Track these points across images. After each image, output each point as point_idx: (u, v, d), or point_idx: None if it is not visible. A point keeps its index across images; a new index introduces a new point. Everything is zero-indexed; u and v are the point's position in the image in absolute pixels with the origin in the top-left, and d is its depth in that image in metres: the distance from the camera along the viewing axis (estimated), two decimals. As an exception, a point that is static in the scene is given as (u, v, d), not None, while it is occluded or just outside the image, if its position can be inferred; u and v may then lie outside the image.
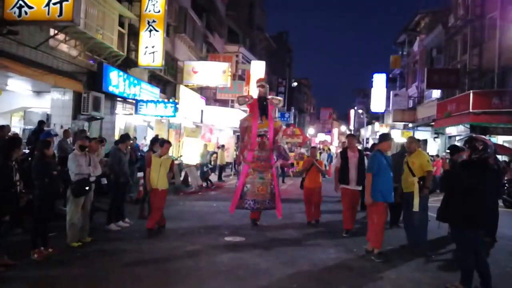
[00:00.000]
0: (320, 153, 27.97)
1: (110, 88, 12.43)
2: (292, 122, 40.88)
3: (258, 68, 28.85)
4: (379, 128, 37.63)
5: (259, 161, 8.07)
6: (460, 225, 4.60)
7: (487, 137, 5.68)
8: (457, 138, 19.50)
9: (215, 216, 9.11)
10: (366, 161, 7.27)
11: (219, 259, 5.73)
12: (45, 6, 8.33)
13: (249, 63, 29.39)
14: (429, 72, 21.55)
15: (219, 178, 17.61)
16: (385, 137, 6.49)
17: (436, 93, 24.31)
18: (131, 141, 9.52)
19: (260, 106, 8.24)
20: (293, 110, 46.84)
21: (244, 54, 29.55)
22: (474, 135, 6.44)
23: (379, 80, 38.40)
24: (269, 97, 8.55)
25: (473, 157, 4.58)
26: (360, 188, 7.55)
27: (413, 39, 31.32)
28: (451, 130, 20.15)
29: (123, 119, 14.91)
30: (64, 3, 8.33)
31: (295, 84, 50.92)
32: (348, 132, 68.36)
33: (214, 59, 23.10)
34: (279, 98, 8.83)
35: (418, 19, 29.96)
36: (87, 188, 6.18)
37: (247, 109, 8.90)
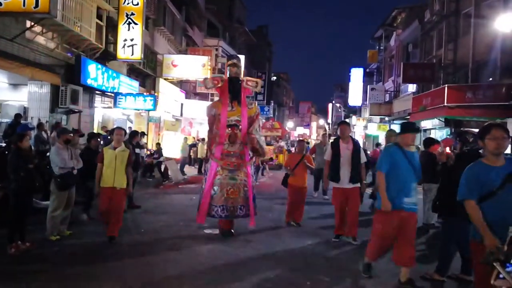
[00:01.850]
0: (292, 145, 28.34)
1: (89, 81, 12.29)
2: (272, 115, 41.06)
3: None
4: (356, 122, 38.20)
5: (230, 158, 6.49)
6: (455, 217, 4.49)
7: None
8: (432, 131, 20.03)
9: (194, 209, 9.12)
10: (362, 153, 6.63)
11: (198, 251, 5.82)
12: (21, -3, 8.19)
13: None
14: (405, 67, 21.98)
15: (199, 171, 17.66)
16: (407, 128, 4.90)
17: (411, 87, 24.82)
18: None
19: (231, 89, 6.61)
20: (272, 104, 47.00)
21: (224, 48, 29.47)
22: (465, 128, 6.60)
23: (356, 75, 38.94)
24: (243, 78, 6.92)
25: (464, 149, 4.81)
26: (354, 185, 6.41)
27: (390, 34, 31.81)
28: (426, 124, 20.65)
29: (102, 112, 14.76)
30: (40, -5, 8.21)
31: (274, 78, 51.07)
32: (326, 126, 69.24)
33: (193, 52, 23.00)
34: (256, 79, 7.00)
35: (395, 14, 30.44)
36: (70, 182, 6.18)
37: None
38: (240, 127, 6.60)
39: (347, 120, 47.05)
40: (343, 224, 6.54)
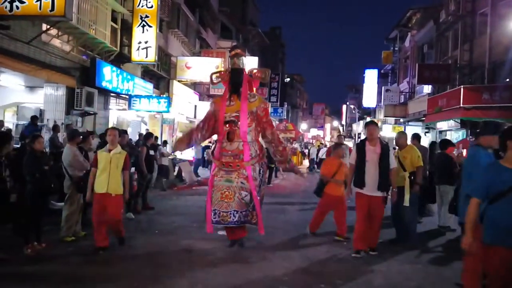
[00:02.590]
0: (306, 146, 28.23)
1: (103, 84, 12.42)
2: (285, 117, 41.00)
3: (251, 64, 28.83)
4: (371, 123, 37.79)
5: (226, 157, 5.82)
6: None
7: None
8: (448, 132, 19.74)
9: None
10: (392, 157, 5.97)
11: (211, 253, 5.80)
12: (37, 0, 8.33)
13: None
14: (420, 68, 21.71)
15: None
16: (492, 128, 4.11)
17: (427, 89, 24.51)
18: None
19: (232, 82, 5.96)
20: (286, 106, 46.93)
21: (237, 49, 29.48)
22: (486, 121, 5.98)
23: (370, 76, 38.64)
24: (250, 69, 6.28)
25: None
26: (380, 193, 5.75)
27: (405, 35, 31.49)
28: (441, 125, 20.35)
29: (116, 114, 14.91)
30: (56, -2, 8.32)
31: (287, 79, 50.98)
32: (340, 128, 68.86)
33: (207, 54, 23.09)
34: (264, 69, 6.35)
35: (410, 15, 30.12)
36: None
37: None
38: (239, 123, 5.77)
39: (361, 121, 46.65)
40: (365, 236, 5.79)
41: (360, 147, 5.94)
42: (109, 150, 5.69)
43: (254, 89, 6.33)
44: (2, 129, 9.03)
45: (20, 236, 5.81)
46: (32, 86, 11.49)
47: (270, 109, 39.75)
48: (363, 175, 5.71)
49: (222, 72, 6.31)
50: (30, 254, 5.41)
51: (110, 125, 14.08)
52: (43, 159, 5.86)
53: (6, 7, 8.27)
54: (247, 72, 6.06)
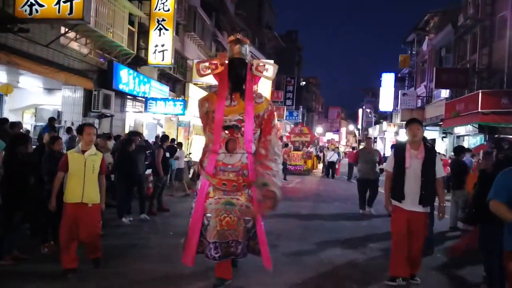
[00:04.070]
0: (321, 150, 28.07)
1: (120, 86, 12.56)
2: (300, 121, 40.91)
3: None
4: (387, 128, 37.54)
5: (226, 173, 4.36)
6: (490, 224, 4.17)
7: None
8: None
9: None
10: (439, 164, 4.92)
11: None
12: (56, 4, 8.43)
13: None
14: (438, 72, 21.44)
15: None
16: None
17: (444, 93, 24.19)
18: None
19: (232, 76, 4.50)
20: (301, 109, 46.85)
21: (253, 53, 29.57)
22: (501, 135, 6.19)
23: (387, 80, 38.33)
24: (252, 61, 4.70)
25: (500, 157, 4.69)
26: (423, 209, 4.72)
27: (422, 39, 31.15)
28: (459, 130, 20.03)
29: (133, 117, 15.06)
30: (74, 1, 8.41)
31: (303, 83, 50.87)
32: (355, 132, 68.27)
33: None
34: (270, 62, 5.10)
35: (428, 18, 29.79)
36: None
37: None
38: (243, 129, 4.37)
39: (377, 125, 46.08)
40: (401, 260, 4.73)
41: (399, 151, 4.90)
42: (83, 151, 4.83)
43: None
44: (21, 130, 9.19)
45: (37, 236, 5.91)
46: (50, 88, 11.67)
47: (285, 113, 39.23)
48: (402, 185, 4.71)
49: (215, 61, 4.61)
50: (47, 253, 5.48)
51: (127, 128, 14.25)
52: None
53: (26, 11, 8.41)
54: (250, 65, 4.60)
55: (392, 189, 4.87)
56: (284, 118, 38.51)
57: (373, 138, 14.19)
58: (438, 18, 28.19)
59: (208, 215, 4.34)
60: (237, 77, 4.49)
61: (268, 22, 39.41)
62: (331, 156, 22.27)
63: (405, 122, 5.36)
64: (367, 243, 6.70)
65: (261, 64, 4.70)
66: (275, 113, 4.73)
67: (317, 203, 11.57)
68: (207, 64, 4.65)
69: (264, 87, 28.45)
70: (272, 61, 4.98)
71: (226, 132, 4.38)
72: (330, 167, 21.92)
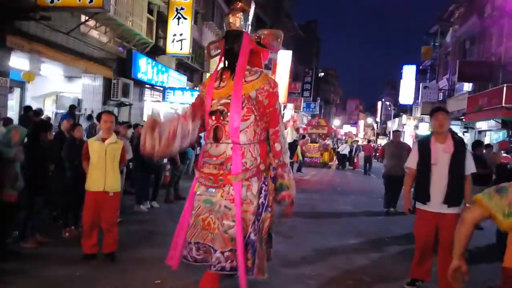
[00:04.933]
0: (334, 141, 27.86)
1: (139, 75, 12.66)
2: (318, 113, 40.64)
3: (284, 58, 28.76)
4: (407, 121, 37.00)
5: (210, 166, 3.65)
6: None
7: None
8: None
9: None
10: (470, 159, 4.26)
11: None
12: (77, -8, 8.54)
13: (276, 52, 29.27)
14: (461, 64, 20.95)
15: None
16: None
17: (467, 86, 23.65)
18: None
19: (227, 52, 3.77)
20: (318, 101, 46.51)
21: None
22: None
23: (408, 72, 37.65)
24: (257, 33, 3.91)
25: None
26: (452, 211, 4.07)
27: (446, 30, 30.43)
28: (481, 125, 19.60)
29: (151, 106, 15.19)
30: (95, -10, 8.51)
31: (322, 74, 50.43)
32: (374, 125, 67.53)
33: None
34: (276, 32, 4.00)
35: (453, 9, 29.06)
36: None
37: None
38: (229, 114, 3.54)
39: (396, 118, 45.45)
40: (424, 265, 4.32)
41: (424, 144, 4.31)
42: (103, 140, 4.79)
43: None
44: (42, 117, 9.36)
45: (58, 221, 6.04)
46: (70, 76, 11.85)
47: (302, 104, 38.82)
48: (428, 184, 4.12)
49: (221, 40, 3.95)
50: (68, 237, 5.61)
51: (145, 117, 14.37)
52: (82, 147, 6.04)
53: (47, -1, 8.54)
54: (251, 37, 3.82)
55: (416, 189, 4.32)
56: (301, 109, 38.32)
57: (400, 131, 12.37)
58: (464, 9, 27.46)
59: (193, 212, 3.71)
60: (228, 53, 3.73)
61: (288, 11, 39.05)
62: (343, 149, 22.10)
63: (429, 112, 4.68)
64: (383, 237, 6.65)
65: (266, 32, 3.88)
66: (277, 92, 3.71)
67: (333, 195, 11.52)
68: (217, 44, 4.07)
69: (282, 77, 28.33)
70: (278, 30, 3.90)
71: (213, 118, 3.65)
72: (343, 160, 21.88)
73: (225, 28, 3.92)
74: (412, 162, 4.38)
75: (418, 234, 4.30)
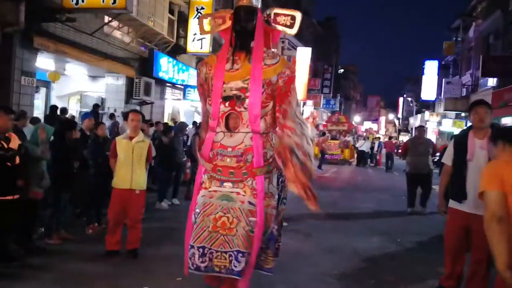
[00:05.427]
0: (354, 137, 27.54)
1: (160, 74, 12.83)
2: (338, 109, 40.34)
3: (304, 54, 28.66)
4: (429, 117, 36.36)
5: (224, 158, 3.27)
6: None
7: None
8: None
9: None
10: None
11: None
12: (100, -7, 8.71)
13: (295, 49, 29.16)
14: (485, 59, 20.46)
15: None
16: None
17: (491, 82, 23.10)
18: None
19: (238, 30, 3.32)
20: (339, 97, 46.14)
21: (290, 40, 29.31)
22: None
23: (430, 67, 36.98)
24: (270, 11, 3.44)
25: None
26: None
27: (469, 25, 29.75)
28: (506, 121, 19.11)
29: (171, 104, 15.37)
30: (118, -9, 8.66)
31: (341, 70, 49.99)
32: (395, 121, 66.55)
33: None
34: (291, 11, 3.45)
35: (475, 3, 28.40)
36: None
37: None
38: (248, 101, 3.20)
39: (418, 115, 44.73)
40: (457, 272, 3.97)
41: (460, 140, 4.03)
42: (131, 138, 4.86)
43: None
44: (66, 116, 9.60)
45: (82, 218, 6.20)
46: (94, 76, 12.10)
47: (321, 101, 38.45)
48: (464, 182, 3.82)
49: (223, 14, 3.50)
50: (92, 234, 5.75)
51: (166, 115, 14.56)
52: (106, 145, 6.17)
53: (72, 1, 8.73)
54: (263, 16, 3.38)
55: (451, 186, 4.03)
56: (321, 106, 38.10)
57: (425, 127, 11.22)
58: (486, 3, 26.79)
59: (197, 210, 3.28)
60: (242, 31, 3.29)
61: (306, 8, 38.81)
62: (362, 145, 21.90)
63: (468, 107, 4.39)
64: (405, 236, 6.58)
65: (280, 12, 3.39)
66: (294, 77, 3.39)
67: (354, 193, 11.44)
68: (211, 18, 3.55)
69: (301, 74, 28.21)
70: (293, 10, 3.34)
71: (226, 104, 3.25)
72: (362, 156, 21.72)
73: (236, 1, 3.42)
74: (448, 158, 4.14)
75: (449, 235, 3.97)
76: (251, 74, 3.22)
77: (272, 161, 3.27)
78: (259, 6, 3.41)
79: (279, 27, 3.39)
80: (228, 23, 3.40)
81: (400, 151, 15.20)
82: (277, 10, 3.43)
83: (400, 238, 6.44)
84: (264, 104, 3.25)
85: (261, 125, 3.25)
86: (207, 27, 3.59)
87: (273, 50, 3.51)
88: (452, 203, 3.97)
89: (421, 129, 9.92)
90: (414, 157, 8.59)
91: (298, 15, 3.40)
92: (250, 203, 3.18)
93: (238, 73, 3.27)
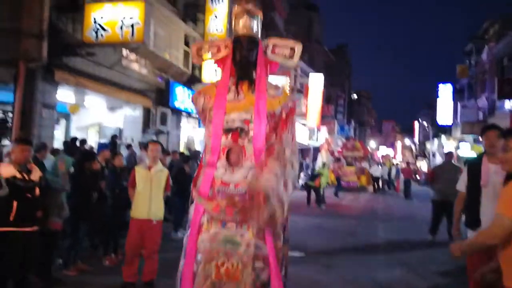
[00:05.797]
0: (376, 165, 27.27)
1: (176, 104, 13.04)
2: (352, 135, 40.20)
3: (316, 81, 28.86)
4: (446, 142, 35.93)
5: (226, 195, 2.93)
6: None
7: None
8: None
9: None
10: None
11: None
12: (119, 29, 8.98)
13: (308, 76, 29.43)
14: (501, 82, 20.35)
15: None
16: None
17: (508, 104, 22.85)
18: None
19: (238, 61, 3.18)
20: (353, 123, 46.07)
21: (303, 67, 29.63)
22: None
23: (445, 91, 36.78)
24: (268, 41, 3.29)
25: None
26: None
27: (481, 47, 29.74)
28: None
29: (187, 133, 15.54)
30: (135, 26, 8.93)
31: (355, 96, 50.08)
32: (412, 146, 65.81)
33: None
34: (291, 42, 3.32)
35: (487, 26, 28.48)
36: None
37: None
38: (252, 133, 2.99)
39: (435, 139, 44.21)
40: None
41: (474, 165, 3.92)
42: (149, 168, 4.91)
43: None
44: (85, 147, 9.76)
45: (98, 248, 6.20)
46: (112, 107, 12.35)
47: (336, 127, 38.16)
48: (477, 208, 3.69)
49: (218, 43, 3.32)
50: (109, 265, 5.74)
51: (182, 144, 14.69)
52: (123, 175, 6.24)
53: (92, 36, 9.03)
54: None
55: (465, 214, 3.98)
56: (335, 132, 38.04)
57: (454, 152, 10.44)
58: (499, 26, 26.85)
59: (198, 257, 2.93)
60: (244, 62, 3.14)
61: (318, 36, 39.37)
62: (375, 171, 21.71)
63: (480, 131, 4.29)
64: (428, 266, 6.39)
65: (279, 43, 3.26)
66: (295, 108, 3.25)
67: (373, 221, 11.24)
68: (206, 46, 3.34)
69: (314, 101, 28.33)
70: (293, 41, 3.26)
71: (228, 137, 3.01)
72: (376, 182, 21.58)
73: (236, 31, 3.23)
74: (462, 184, 4.05)
75: (471, 267, 3.57)
76: (255, 105, 3.02)
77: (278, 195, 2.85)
78: (259, 35, 3.28)
79: (278, 59, 3.26)
80: (224, 52, 3.24)
81: (428, 178, 14.32)
82: (275, 41, 3.29)
83: (423, 269, 6.26)
84: (269, 136, 3.03)
85: (264, 159, 2.96)
86: (200, 57, 3.39)
87: (275, 84, 3.39)
88: (469, 232, 3.83)
89: (450, 154, 9.53)
90: (443, 184, 8.23)
91: (298, 47, 3.27)
92: (256, 246, 2.84)
93: (242, 104, 3.07)
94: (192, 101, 3.38)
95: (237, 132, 3.00)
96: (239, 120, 3.01)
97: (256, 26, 3.23)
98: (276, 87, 3.27)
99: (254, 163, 2.91)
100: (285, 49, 3.28)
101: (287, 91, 3.32)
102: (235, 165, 2.96)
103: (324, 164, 15.51)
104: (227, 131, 3.01)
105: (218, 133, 3.02)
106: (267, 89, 3.13)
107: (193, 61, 3.52)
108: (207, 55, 3.33)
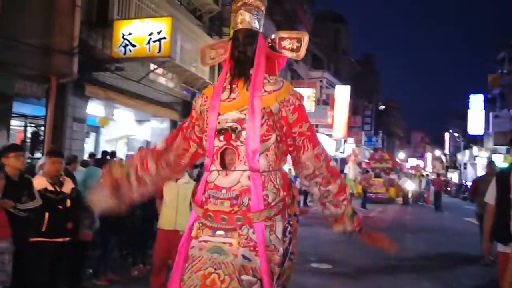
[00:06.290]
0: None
1: (202, 116, 13.22)
2: (381, 146, 39.56)
3: (342, 93, 28.68)
4: (478, 153, 34.89)
5: (217, 201, 2.56)
6: None
7: None
8: None
9: (300, 241, 9.05)
10: None
11: (303, 285, 5.67)
12: (146, 44, 9.21)
13: (334, 87, 29.29)
14: (536, 91, 19.66)
15: (304, 202, 17.52)
16: None
17: (544, 113, 22.06)
18: None
19: (236, 57, 2.70)
20: (381, 134, 45.39)
21: (328, 79, 29.53)
22: None
23: (476, 101, 35.91)
24: (275, 35, 2.88)
25: None
26: None
27: (515, 56, 28.94)
28: None
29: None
30: (162, 41, 9.14)
31: (382, 107, 49.43)
32: (442, 157, 64.23)
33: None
34: (297, 33, 2.89)
35: (520, 34, 27.68)
36: None
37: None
38: (245, 134, 2.60)
39: (466, 150, 43.00)
40: None
41: (503, 176, 3.72)
42: (176, 180, 4.91)
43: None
44: (114, 159, 9.98)
45: (127, 259, 6.31)
46: (140, 120, 12.63)
47: (363, 138, 37.79)
48: (508, 222, 3.47)
49: (224, 43, 3.01)
50: (137, 275, 5.82)
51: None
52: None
53: (120, 51, 9.29)
54: (266, 40, 2.96)
55: (494, 228, 3.75)
56: (363, 143, 37.56)
57: (495, 163, 9.74)
58: (533, 33, 26.08)
59: (187, 265, 2.66)
60: (241, 58, 2.77)
61: (344, 47, 39.24)
62: (404, 183, 21.27)
63: (508, 142, 4.18)
64: (460, 280, 6.19)
65: (286, 36, 2.92)
66: (302, 105, 2.80)
67: (402, 233, 10.97)
68: (213, 47, 3.08)
69: (341, 112, 28.12)
70: (301, 33, 2.67)
71: (221, 138, 2.68)
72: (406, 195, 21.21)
73: (234, 26, 2.95)
74: (491, 197, 3.81)
75: (503, 280, 3.38)
76: (249, 103, 2.66)
77: (274, 206, 2.55)
78: (261, 30, 2.94)
79: (285, 52, 2.90)
80: (226, 49, 2.92)
81: (471, 191, 12.93)
82: (282, 34, 2.95)
83: (456, 283, 6.06)
84: (265, 137, 2.63)
85: (260, 162, 2.61)
86: (208, 59, 3.10)
87: (276, 77, 2.91)
88: (500, 246, 3.63)
89: (492, 165, 8.71)
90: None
91: (305, 37, 2.91)
92: (244, 257, 2.47)
93: (235, 103, 2.70)
94: (192, 105, 3.05)
95: (228, 133, 2.66)
96: (231, 120, 2.67)
97: (255, 19, 2.84)
98: (277, 81, 2.79)
99: (248, 165, 2.56)
100: (292, 41, 2.92)
101: (289, 86, 2.75)
102: (228, 168, 2.64)
103: (345, 175, 15.28)
104: (219, 132, 2.68)
105: (211, 135, 2.71)
106: (264, 84, 2.72)
107: (201, 64, 3.27)
108: (210, 56, 3.06)
